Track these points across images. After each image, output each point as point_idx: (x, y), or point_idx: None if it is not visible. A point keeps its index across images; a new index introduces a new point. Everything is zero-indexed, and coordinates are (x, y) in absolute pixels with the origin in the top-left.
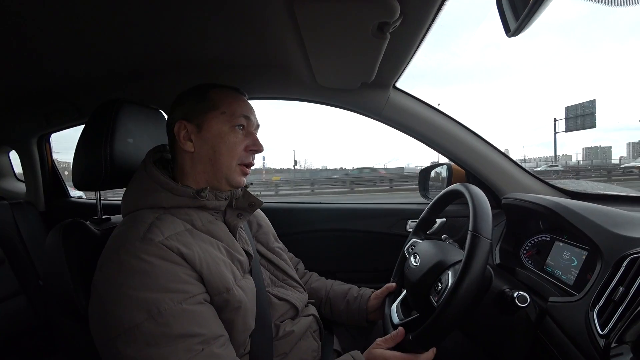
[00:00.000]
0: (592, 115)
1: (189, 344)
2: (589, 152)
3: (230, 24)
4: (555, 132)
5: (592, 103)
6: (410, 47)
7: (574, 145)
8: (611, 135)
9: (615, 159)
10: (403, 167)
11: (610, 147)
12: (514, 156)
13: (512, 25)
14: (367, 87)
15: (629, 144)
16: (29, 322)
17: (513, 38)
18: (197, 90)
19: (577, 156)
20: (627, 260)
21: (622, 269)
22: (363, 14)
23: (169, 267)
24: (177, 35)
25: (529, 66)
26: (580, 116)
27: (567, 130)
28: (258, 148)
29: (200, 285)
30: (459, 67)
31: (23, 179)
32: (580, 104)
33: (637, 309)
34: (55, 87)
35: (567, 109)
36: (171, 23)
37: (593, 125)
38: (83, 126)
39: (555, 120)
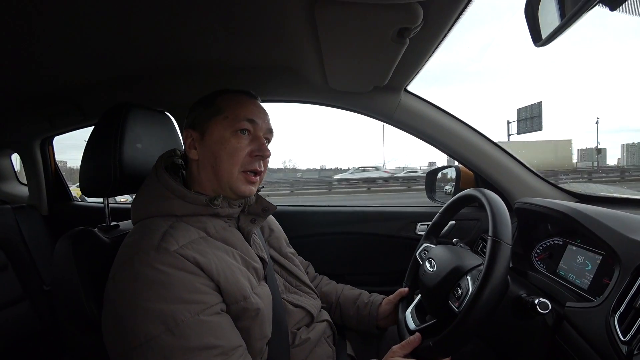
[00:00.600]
0: (539, 117)
1: (207, 356)
2: (584, 154)
3: (245, 25)
4: (509, 134)
5: (539, 105)
6: (427, 52)
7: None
8: (610, 137)
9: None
10: (402, 168)
11: (605, 149)
12: None
13: (544, 34)
14: (379, 90)
15: (623, 145)
16: (33, 326)
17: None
18: (207, 98)
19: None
20: None
21: None
22: (386, 19)
23: (185, 277)
24: (186, 37)
25: (524, 64)
26: (529, 119)
27: (519, 132)
28: (263, 153)
29: (217, 294)
30: (455, 66)
31: (25, 182)
32: (530, 105)
33: None
34: (58, 89)
35: (519, 110)
36: (180, 25)
37: (540, 128)
38: (87, 128)
39: (508, 122)
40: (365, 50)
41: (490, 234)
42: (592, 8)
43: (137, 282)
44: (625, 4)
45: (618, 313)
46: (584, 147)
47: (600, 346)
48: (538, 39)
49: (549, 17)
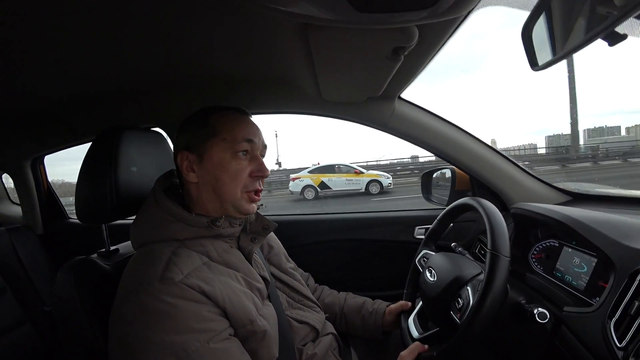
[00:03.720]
0: None
1: None
2: (552, 140)
3: (237, 41)
4: None
5: None
6: (421, 64)
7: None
8: (605, 120)
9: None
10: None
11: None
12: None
13: (541, 61)
14: (373, 99)
15: (584, 130)
16: (36, 348)
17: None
18: (198, 117)
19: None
20: None
21: (637, 282)
22: (381, 40)
23: (192, 307)
24: (179, 52)
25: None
26: None
27: None
28: (263, 173)
29: (224, 320)
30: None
31: (18, 202)
32: None
33: None
34: (48, 108)
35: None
36: (172, 40)
37: None
38: (80, 147)
39: None
40: (359, 68)
41: (489, 247)
42: (588, 45)
43: (144, 314)
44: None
45: (614, 319)
46: (551, 134)
47: (597, 351)
48: (534, 64)
49: (544, 44)
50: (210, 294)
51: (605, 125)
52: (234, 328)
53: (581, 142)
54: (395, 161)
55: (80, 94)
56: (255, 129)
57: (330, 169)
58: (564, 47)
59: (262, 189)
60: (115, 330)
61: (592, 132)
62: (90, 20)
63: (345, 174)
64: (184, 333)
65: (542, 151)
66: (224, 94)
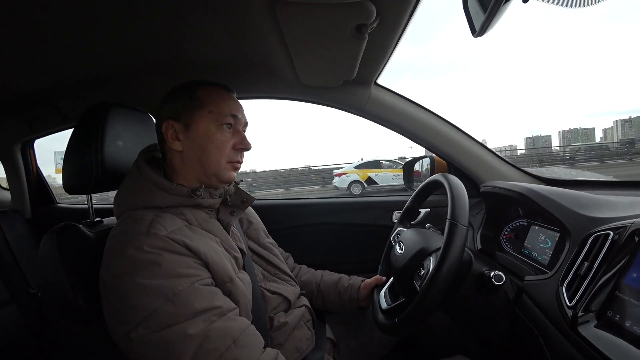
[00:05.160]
0: None
1: (208, 316)
2: (530, 141)
3: (212, 24)
4: None
5: None
6: (389, 46)
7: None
8: (595, 120)
9: (555, 146)
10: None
11: (550, 136)
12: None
13: (477, 26)
14: (350, 84)
15: (560, 132)
16: (21, 331)
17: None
18: (185, 88)
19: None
20: (592, 238)
21: (587, 246)
22: (341, 16)
23: (177, 258)
24: (159, 35)
25: (510, 54)
26: None
27: None
28: (246, 146)
29: (207, 271)
30: (436, 62)
31: (7, 186)
32: None
33: (600, 281)
34: (37, 91)
35: None
36: (153, 24)
37: None
38: (70, 131)
39: None
40: (328, 47)
41: (448, 216)
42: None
43: (132, 265)
44: None
45: (566, 282)
46: (529, 136)
47: (551, 314)
48: (474, 31)
49: (476, 9)
50: (194, 248)
51: (580, 127)
52: (216, 284)
53: (555, 143)
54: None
55: (68, 78)
56: (239, 105)
57: (376, 164)
58: (487, 7)
59: (242, 162)
60: (105, 286)
61: (566, 134)
62: (72, 2)
63: (389, 170)
64: (170, 277)
65: (522, 152)
66: (204, 78)
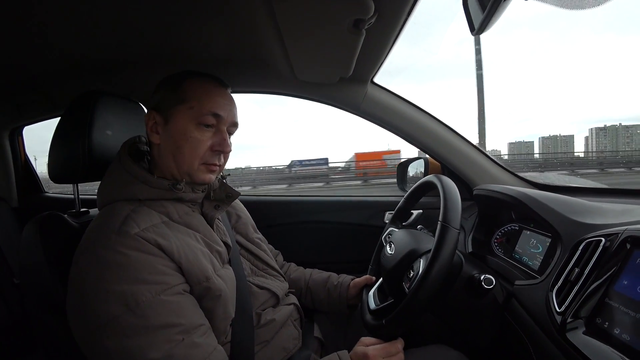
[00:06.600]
0: None
1: (169, 334)
2: (513, 147)
3: (210, 17)
4: None
5: None
6: (386, 43)
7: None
8: (580, 127)
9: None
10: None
11: (532, 142)
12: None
13: (476, 24)
14: (346, 82)
15: (540, 138)
16: (3, 320)
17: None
18: (174, 79)
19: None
20: (583, 244)
21: (578, 252)
22: (339, 10)
23: (146, 259)
24: (155, 27)
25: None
26: None
27: None
28: (224, 149)
29: (179, 275)
30: (435, 63)
31: None
32: None
33: (590, 287)
34: (27, 78)
35: None
36: (149, 14)
37: None
38: (58, 118)
39: None
40: (325, 42)
41: (440, 219)
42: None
43: (98, 265)
44: None
45: (556, 287)
46: (513, 141)
47: (540, 319)
48: (473, 29)
49: (480, 5)
50: (166, 248)
51: (560, 134)
52: (190, 285)
53: (536, 149)
54: None
55: (60, 64)
56: (226, 102)
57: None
58: (487, 5)
59: (221, 165)
60: (72, 282)
61: (546, 140)
62: None
63: None
64: (135, 283)
65: (506, 157)
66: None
